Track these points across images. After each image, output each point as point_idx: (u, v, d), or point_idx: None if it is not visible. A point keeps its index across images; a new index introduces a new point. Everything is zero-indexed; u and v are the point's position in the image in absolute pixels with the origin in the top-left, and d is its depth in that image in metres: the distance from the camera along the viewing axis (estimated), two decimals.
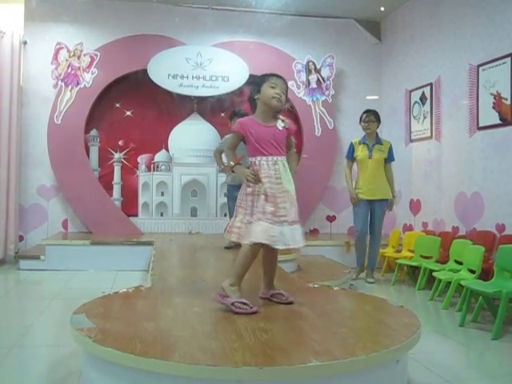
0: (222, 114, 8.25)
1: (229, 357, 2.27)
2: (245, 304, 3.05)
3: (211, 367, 2.18)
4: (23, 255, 7.15)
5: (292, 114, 8.43)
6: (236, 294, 3.10)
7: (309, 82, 8.39)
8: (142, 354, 2.28)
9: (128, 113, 8.31)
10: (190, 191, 8.37)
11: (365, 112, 6.43)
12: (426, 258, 6.08)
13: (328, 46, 8.46)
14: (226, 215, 7.91)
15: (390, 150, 6.39)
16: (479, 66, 6.15)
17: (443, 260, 5.84)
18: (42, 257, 6.86)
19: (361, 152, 6.36)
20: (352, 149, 6.46)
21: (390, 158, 6.39)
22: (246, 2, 8.00)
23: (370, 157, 6.29)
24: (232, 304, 3.05)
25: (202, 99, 8.20)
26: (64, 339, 3.42)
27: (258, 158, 3.22)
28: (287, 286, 3.97)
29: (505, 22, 5.80)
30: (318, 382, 2.26)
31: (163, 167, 8.27)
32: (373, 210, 6.32)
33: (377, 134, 6.46)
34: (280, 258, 5.45)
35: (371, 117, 6.35)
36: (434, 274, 5.39)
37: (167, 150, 8.29)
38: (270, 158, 3.22)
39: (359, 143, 6.42)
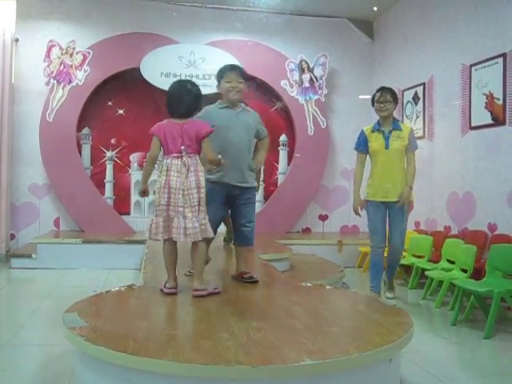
0: None
1: (222, 355, 2.27)
2: (215, 286, 3.61)
3: (204, 366, 2.17)
4: (15, 253, 7.12)
5: (285, 112, 8.43)
6: (208, 283, 3.56)
7: (302, 81, 8.39)
8: (135, 353, 2.27)
9: (120, 111, 8.28)
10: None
11: (378, 90, 5.24)
12: (418, 257, 6.09)
13: (321, 45, 8.46)
14: None
15: (411, 135, 5.15)
16: (472, 65, 6.17)
17: (435, 259, 5.85)
18: (33, 255, 6.83)
19: (375, 142, 5.13)
20: (364, 138, 5.21)
21: (412, 146, 5.14)
22: (239, 1, 8.00)
23: (386, 147, 5.06)
24: (213, 289, 3.52)
25: None
26: (56, 338, 3.41)
27: None
28: (280, 284, 3.97)
29: (497, 21, 5.82)
30: (311, 380, 2.25)
31: (156, 165, 8.23)
32: (390, 216, 5.13)
33: (394, 117, 5.23)
34: (272, 256, 5.49)
35: (387, 95, 5.12)
36: (427, 273, 5.40)
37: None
38: None
39: (372, 131, 5.18)
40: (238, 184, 3.90)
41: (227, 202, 3.99)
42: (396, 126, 5.15)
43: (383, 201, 5.06)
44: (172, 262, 3.58)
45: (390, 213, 5.12)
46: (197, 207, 3.40)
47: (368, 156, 5.27)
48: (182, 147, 3.45)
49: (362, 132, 5.27)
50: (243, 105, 4.07)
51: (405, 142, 5.06)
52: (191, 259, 3.66)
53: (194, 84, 3.65)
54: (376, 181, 5.10)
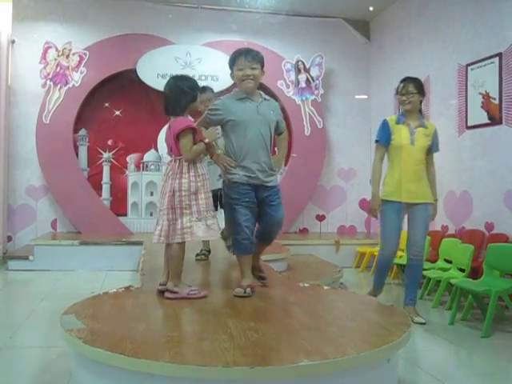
0: None
1: (219, 357, 2.26)
2: (195, 290, 3.43)
3: (202, 367, 2.17)
4: (12, 255, 7.10)
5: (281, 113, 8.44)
6: (185, 287, 3.43)
7: (298, 82, 8.39)
8: (133, 355, 2.27)
9: (117, 112, 8.27)
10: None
11: (402, 81, 4.66)
12: None
13: (317, 45, 8.47)
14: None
15: (435, 135, 4.67)
16: (468, 65, 6.17)
17: (433, 259, 5.85)
18: (30, 257, 6.82)
19: (400, 135, 4.56)
20: (387, 129, 4.61)
21: (435, 147, 4.66)
22: (235, 2, 8.00)
23: (412, 142, 4.54)
24: (188, 294, 3.38)
25: None
26: (53, 340, 3.41)
27: None
28: (277, 285, 3.97)
29: (493, 21, 5.83)
30: (309, 381, 2.25)
31: (152, 167, 8.25)
32: (412, 218, 4.59)
33: (420, 111, 4.71)
34: (270, 257, 5.48)
35: (409, 87, 4.56)
36: (424, 272, 5.39)
37: (156, 149, 8.26)
38: None
39: (396, 122, 4.61)
40: (264, 184, 3.54)
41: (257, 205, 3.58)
42: (422, 122, 4.63)
43: (407, 202, 4.50)
44: (165, 260, 3.61)
45: (411, 214, 4.57)
46: (165, 211, 3.37)
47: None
48: (166, 151, 3.44)
49: (386, 122, 4.66)
50: (262, 94, 3.65)
51: (429, 140, 4.58)
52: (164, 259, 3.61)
53: (180, 79, 3.49)
54: (397, 179, 4.54)
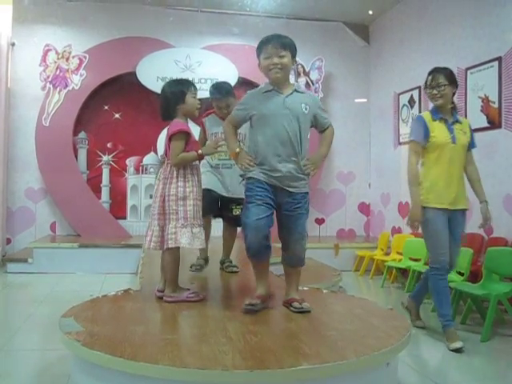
0: None
1: (218, 360, 2.26)
2: (194, 293, 3.42)
3: (201, 371, 2.17)
4: (11, 258, 7.10)
5: None
6: (183, 291, 3.43)
7: None
8: (132, 358, 2.27)
9: (117, 115, 8.28)
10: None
11: (430, 72, 4.19)
12: (414, 260, 6.10)
13: (317, 48, 8.48)
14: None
15: (471, 130, 4.20)
16: (467, 69, 6.18)
17: None
18: (29, 260, 6.81)
19: (439, 132, 4.01)
20: (424, 126, 4.03)
21: (473, 143, 4.17)
22: (235, 5, 8.01)
23: (453, 141, 3.98)
24: (186, 297, 3.37)
25: None
26: (52, 343, 3.40)
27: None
28: (276, 288, 3.96)
29: (493, 25, 5.84)
30: None
31: (152, 170, 8.24)
32: (451, 226, 4.03)
33: (454, 104, 4.16)
34: (269, 261, 5.47)
35: (439, 78, 4.07)
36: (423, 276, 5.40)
37: (156, 152, 8.25)
38: None
39: (433, 119, 4.05)
40: (286, 188, 3.11)
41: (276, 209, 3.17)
42: (456, 117, 4.12)
43: (450, 208, 3.97)
44: (161, 266, 3.57)
45: (452, 222, 4.02)
46: (156, 216, 3.33)
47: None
48: (160, 154, 3.43)
49: (422, 119, 4.09)
50: (296, 85, 3.30)
51: (468, 137, 4.10)
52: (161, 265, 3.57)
53: (167, 85, 3.45)
54: (438, 183, 3.99)
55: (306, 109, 3.16)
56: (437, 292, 4.02)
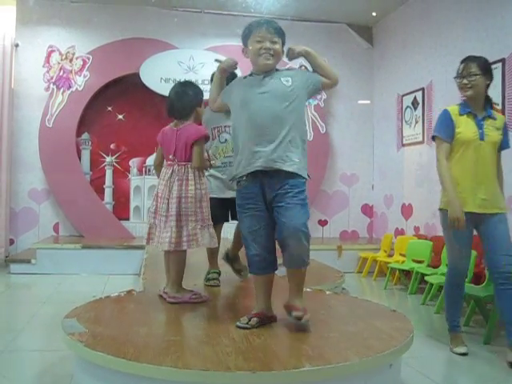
0: None
1: (221, 361, 2.26)
2: (196, 294, 3.48)
3: (203, 372, 2.17)
4: (14, 259, 7.10)
5: None
6: (187, 292, 3.48)
7: None
8: (134, 359, 2.27)
9: (120, 116, 8.29)
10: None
11: (463, 61, 3.76)
12: (417, 262, 6.08)
13: (320, 50, 8.27)
14: None
15: (506, 128, 3.82)
16: None
17: (435, 264, 5.84)
18: (32, 260, 6.82)
19: (465, 127, 3.70)
20: (451, 121, 3.73)
21: (505, 143, 3.81)
22: (239, 7, 8.01)
23: (481, 137, 3.66)
24: (190, 299, 3.42)
25: None
26: (55, 344, 3.40)
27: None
28: (279, 290, 3.96)
29: (496, 27, 5.83)
30: None
31: (155, 171, 8.23)
32: (489, 235, 3.66)
33: (487, 97, 3.80)
34: None
35: (472, 67, 3.67)
36: (426, 278, 5.40)
37: None
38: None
39: (460, 113, 3.73)
40: (272, 168, 2.79)
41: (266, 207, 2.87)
42: (490, 112, 3.75)
43: (478, 212, 3.63)
44: (166, 268, 3.61)
45: (486, 229, 3.66)
46: (174, 217, 3.32)
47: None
48: (171, 156, 3.44)
49: (447, 113, 3.77)
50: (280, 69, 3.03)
51: (500, 134, 3.73)
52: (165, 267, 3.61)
53: (185, 85, 3.52)
54: (462, 184, 3.69)
55: (287, 81, 2.89)
56: (449, 295, 3.90)
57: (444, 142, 3.73)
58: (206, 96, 3.39)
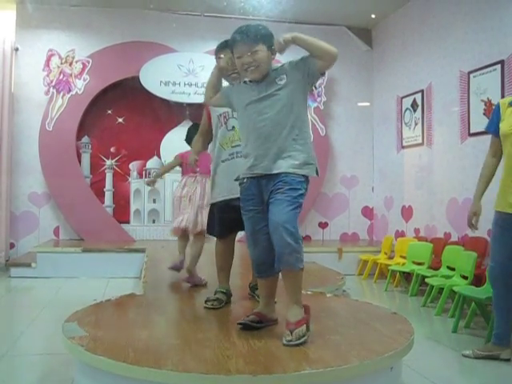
0: None
1: (222, 365, 2.26)
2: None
3: (204, 375, 2.17)
4: (14, 263, 7.11)
5: None
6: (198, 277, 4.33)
7: None
8: (135, 363, 2.27)
9: (120, 120, 8.29)
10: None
11: None
12: (418, 264, 6.08)
13: None
14: None
15: None
16: (470, 72, 6.18)
17: (435, 266, 5.84)
18: (33, 264, 6.81)
19: (507, 120, 3.45)
20: (496, 113, 3.56)
21: None
22: (238, 10, 8.02)
23: None
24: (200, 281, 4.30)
25: (194, 106, 8.18)
26: (55, 347, 3.40)
27: None
28: (280, 292, 3.96)
29: (495, 28, 5.84)
30: None
31: (155, 174, 8.23)
32: None
33: None
34: None
35: None
36: (427, 280, 5.39)
37: (159, 156, 8.27)
38: None
39: (509, 104, 3.49)
40: (269, 172, 2.72)
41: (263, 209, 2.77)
42: None
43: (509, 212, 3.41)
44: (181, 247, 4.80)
45: None
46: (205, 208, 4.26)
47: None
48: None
49: (497, 105, 3.58)
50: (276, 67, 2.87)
51: None
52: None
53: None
54: (502, 181, 3.52)
55: (281, 80, 2.77)
56: (494, 299, 3.67)
57: (493, 136, 3.58)
58: (201, 99, 3.38)
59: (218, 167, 3.50)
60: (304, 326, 2.60)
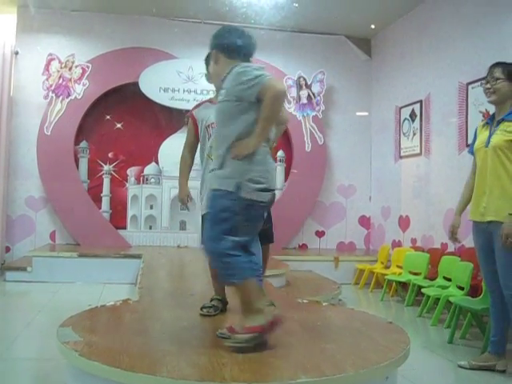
0: None
1: (217, 372, 2.25)
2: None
3: (199, 382, 2.15)
4: (10, 266, 7.07)
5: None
6: None
7: (299, 98, 8.42)
8: (130, 369, 2.25)
9: (118, 125, 8.29)
10: (179, 205, 8.34)
11: (490, 67, 3.70)
12: (414, 274, 6.08)
13: (319, 62, 8.50)
14: None
15: None
16: (468, 83, 6.20)
17: (432, 276, 5.84)
18: (28, 268, 6.79)
19: (480, 137, 3.67)
20: (474, 134, 3.81)
21: None
22: (239, 18, 8.04)
23: (486, 144, 3.54)
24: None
25: None
26: (50, 352, 3.38)
27: None
28: (276, 300, 3.95)
29: (494, 40, 5.86)
30: None
31: (153, 180, 8.24)
32: (493, 242, 3.52)
33: None
34: (269, 272, 5.45)
35: (496, 72, 3.58)
36: (423, 290, 5.39)
37: (157, 162, 8.26)
38: None
39: (484, 124, 3.74)
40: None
41: None
42: (509, 115, 3.50)
43: (481, 221, 3.59)
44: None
45: (492, 239, 3.52)
46: None
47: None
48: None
49: (476, 128, 3.83)
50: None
51: (508, 137, 3.44)
52: None
53: None
54: (473, 193, 3.71)
55: (221, 95, 2.72)
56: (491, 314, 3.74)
57: (473, 156, 3.78)
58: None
59: (206, 179, 3.35)
60: (250, 335, 2.50)
